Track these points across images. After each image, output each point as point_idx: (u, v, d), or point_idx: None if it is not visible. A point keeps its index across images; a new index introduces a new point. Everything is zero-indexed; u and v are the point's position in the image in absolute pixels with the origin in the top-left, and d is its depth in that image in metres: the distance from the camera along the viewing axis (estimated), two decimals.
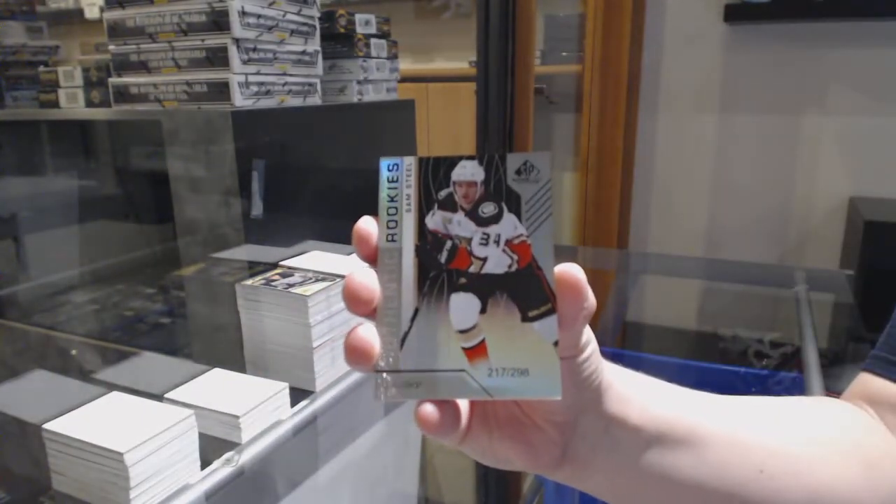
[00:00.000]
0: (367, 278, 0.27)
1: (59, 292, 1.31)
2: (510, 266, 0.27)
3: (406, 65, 2.73)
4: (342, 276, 0.81)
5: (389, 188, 0.28)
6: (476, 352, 0.26)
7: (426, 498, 0.85)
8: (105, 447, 0.55)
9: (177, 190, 0.95)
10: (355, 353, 0.26)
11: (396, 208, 0.27)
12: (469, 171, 0.27)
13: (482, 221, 0.27)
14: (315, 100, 1.11)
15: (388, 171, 0.28)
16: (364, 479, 0.78)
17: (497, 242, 0.27)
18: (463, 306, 0.26)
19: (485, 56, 1.54)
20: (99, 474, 0.57)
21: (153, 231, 1.45)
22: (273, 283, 0.78)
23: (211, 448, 0.65)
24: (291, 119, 1.05)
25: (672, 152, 2.13)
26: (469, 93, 1.84)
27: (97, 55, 1.76)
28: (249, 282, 0.79)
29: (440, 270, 0.27)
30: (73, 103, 1.25)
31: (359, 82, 1.22)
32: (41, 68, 1.31)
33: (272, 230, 0.97)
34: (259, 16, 0.95)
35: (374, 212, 0.28)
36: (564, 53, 2.28)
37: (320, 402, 0.78)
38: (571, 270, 0.27)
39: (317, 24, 1.08)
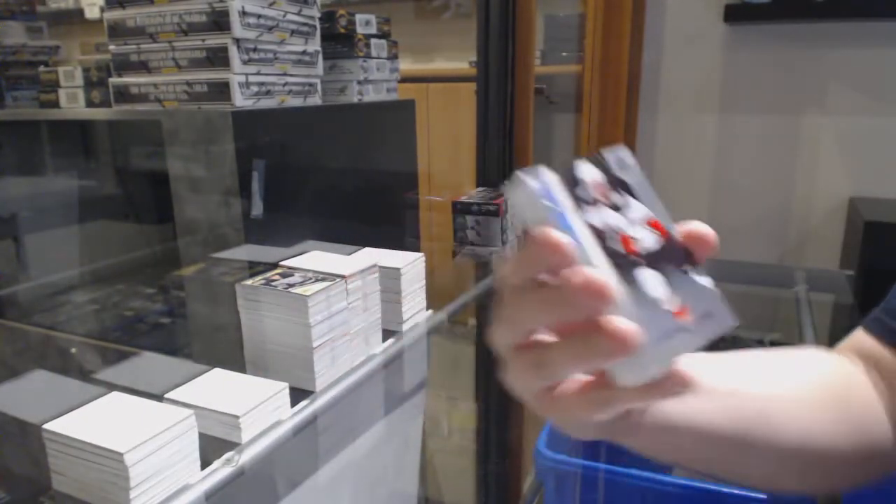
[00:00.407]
0: (602, 276, 0.28)
1: (59, 292, 1.31)
2: (658, 240, 0.31)
3: (406, 65, 2.73)
4: (342, 276, 0.81)
5: (549, 202, 0.30)
6: (681, 312, 0.30)
7: (426, 498, 0.85)
8: (105, 447, 0.55)
9: (177, 190, 0.95)
10: (626, 341, 0.28)
11: (564, 215, 0.30)
12: (590, 172, 0.31)
13: (621, 210, 0.31)
14: (315, 100, 1.11)
15: (540, 183, 0.30)
16: (364, 479, 0.78)
17: (640, 224, 0.31)
18: (653, 281, 0.30)
19: (485, 56, 1.54)
20: (99, 474, 0.56)
21: (153, 231, 1.45)
22: (273, 283, 0.78)
23: (211, 448, 0.65)
24: (291, 119, 1.05)
25: (672, 152, 2.13)
26: (469, 93, 1.84)
27: (97, 55, 1.76)
28: (249, 282, 0.79)
29: (620, 258, 0.30)
30: (73, 103, 1.25)
31: (359, 82, 1.22)
32: (41, 68, 1.31)
33: (272, 230, 0.97)
34: (259, 16, 0.95)
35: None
36: (564, 53, 2.28)
37: (320, 402, 0.78)
38: (699, 227, 0.32)
39: (317, 24, 1.08)
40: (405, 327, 0.97)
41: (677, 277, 0.31)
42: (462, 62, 2.56)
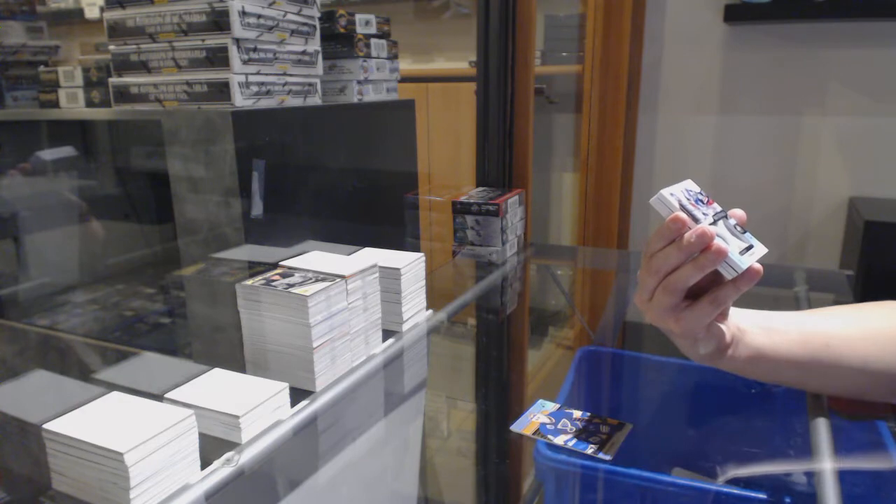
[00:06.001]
0: (707, 228, 0.52)
1: (59, 292, 1.31)
2: (722, 211, 0.60)
3: (406, 65, 2.73)
4: (342, 276, 0.81)
5: (674, 199, 0.56)
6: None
7: (426, 498, 0.85)
8: (105, 447, 0.55)
9: (177, 190, 0.95)
10: (721, 251, 0.51)
11: (682, 205, 0.56)
12: (681, 187, 0.59)
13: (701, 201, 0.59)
14: (315, 100, 1.11)
15: (668, 192, 0.56)
16: (364, 480, 0.78)
17: (711, 206, 0.59)
18: (728, 226, 0.57)
19: (485, 56, 1.54)
20: (99, 474, 0.57)
21: (153, 231, 1.45)
22: (273, 283, 0.78)
23: (211, 448, 0.65)
24: (291, 119, 1.05)
25: (672, 152, 2.13)
26: (469, 93, 1.84)
27: (97, 55, 1.76)
28: (249, 282, 0.79)
29: (716, 215, 0.57)
30: (73, 103, 1.25)
31: (359, 82, 1.22)
32: (41, 68, 1.31)
33: (272, 230, 0.97)
34: (259, 16, 0.95)
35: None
36: (564, 53, 2.28)
37: (320, 402, 0.78)
38: (736, 211, 0.59)
39: (317, 24, 1.08)
40: (405, 327, 0.97)
41: (736, 229, 0.56)
42: (462, 62, 2.56)
